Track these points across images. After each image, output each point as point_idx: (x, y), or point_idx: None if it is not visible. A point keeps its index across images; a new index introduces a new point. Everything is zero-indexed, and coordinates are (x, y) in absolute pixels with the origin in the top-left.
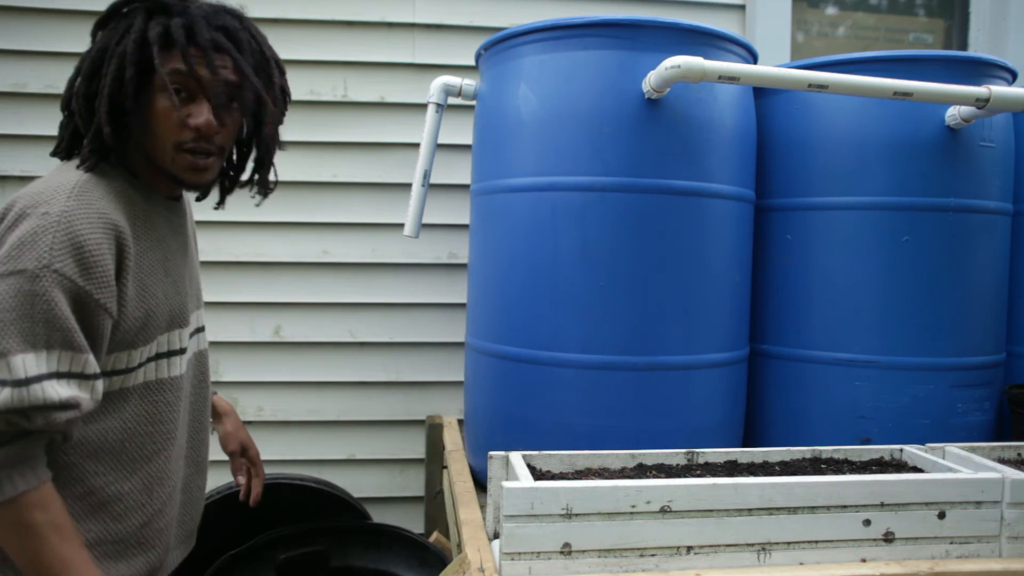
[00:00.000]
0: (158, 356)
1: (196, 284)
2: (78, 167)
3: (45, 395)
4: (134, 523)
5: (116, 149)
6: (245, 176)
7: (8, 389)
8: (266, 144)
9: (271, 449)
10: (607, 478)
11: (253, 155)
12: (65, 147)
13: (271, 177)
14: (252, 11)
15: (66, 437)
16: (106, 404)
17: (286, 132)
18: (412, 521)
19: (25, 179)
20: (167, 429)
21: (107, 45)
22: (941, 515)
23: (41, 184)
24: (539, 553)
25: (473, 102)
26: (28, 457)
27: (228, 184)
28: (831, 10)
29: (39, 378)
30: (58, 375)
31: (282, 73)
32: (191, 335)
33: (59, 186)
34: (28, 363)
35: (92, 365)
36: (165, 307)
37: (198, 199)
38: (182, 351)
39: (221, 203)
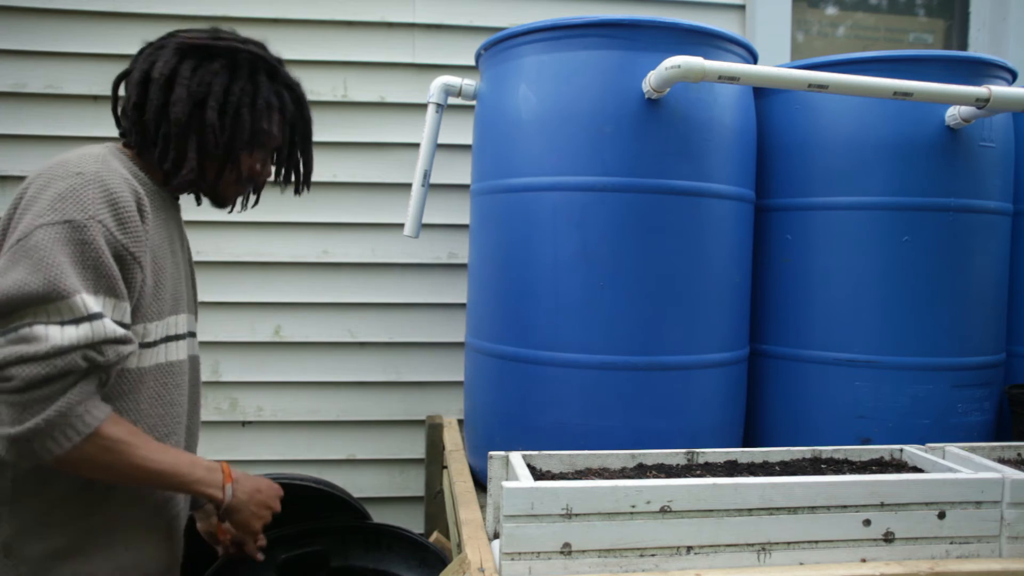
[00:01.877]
0: (167, 339)
1: (192, 286)
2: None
3: (111, 329)
4: (151, 505)
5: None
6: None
7: (86, 324)
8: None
9: (271, 449)
10: (607, 478)
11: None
12: (136, 137)
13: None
14: (252, 11)
15: (108, 379)
16: (123, 384)
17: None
18: (412, 521)
19: (25, 179)
20: (176, 412)
21: (227, 86)
22: (941, 515)
23: (61, 157)
24: (539, 553)
25: (473, 102)
26: (95, 392)
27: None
28: (831, 10)
29: (101, 315)
30: (108, 317)
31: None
32: (185, 336)
33: (84, 155)
34: (89, 302)
35: (129, 315)
36: (171, 285)
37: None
38: (181, 337)
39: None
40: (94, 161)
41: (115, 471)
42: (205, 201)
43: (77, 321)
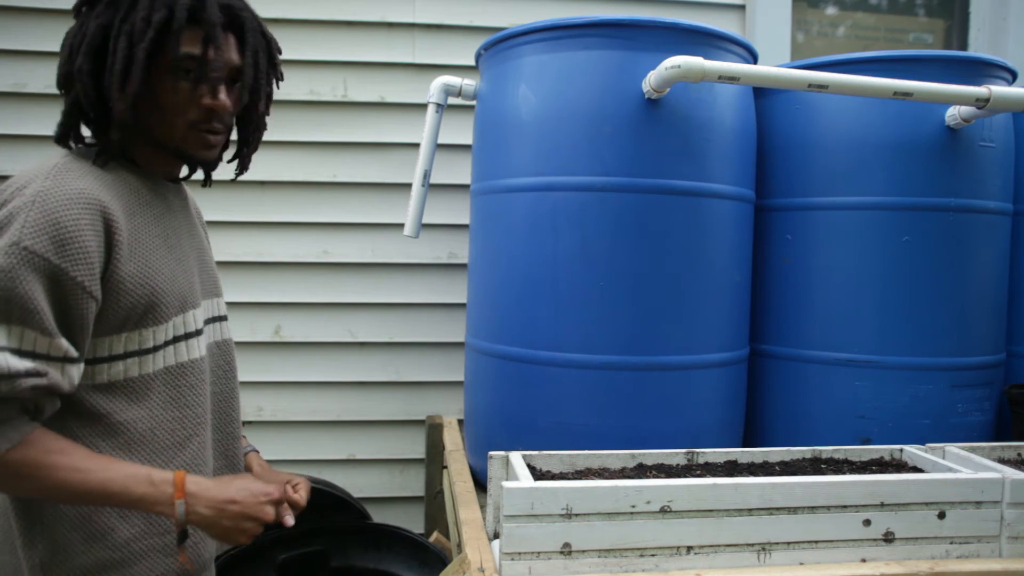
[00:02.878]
0: (175, 339)
1: (210, 270)
2: (94, 150)
3: (6, 363)
4: None
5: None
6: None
7: None
8: (257, 123)
9: (271, 449)
10: (607, 478)
11: (244, 131)
12: (65, 127)
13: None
14: None
15: (38, 409)
16: (130, 392)
17: (286, 132)
18: (412, 521)
19: None
20: (196, 413)
21: (109, 22)
22: (941, 515)
23: (25, 170)
24: (539, 553)
25: (473, 102)
26: (1, 420)
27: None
28: (831, 10)
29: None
30: (19, 352)
31: (279, 52)
32: (207, 321)
33: (39, 168)
34: None
35: (61, 348)
36: (173, 286)
37: (205, 183)
38: (198, 332)
39: (207, 181)
40: (44, 176)
41: (40, 493)
42: (206, 201)
43: None
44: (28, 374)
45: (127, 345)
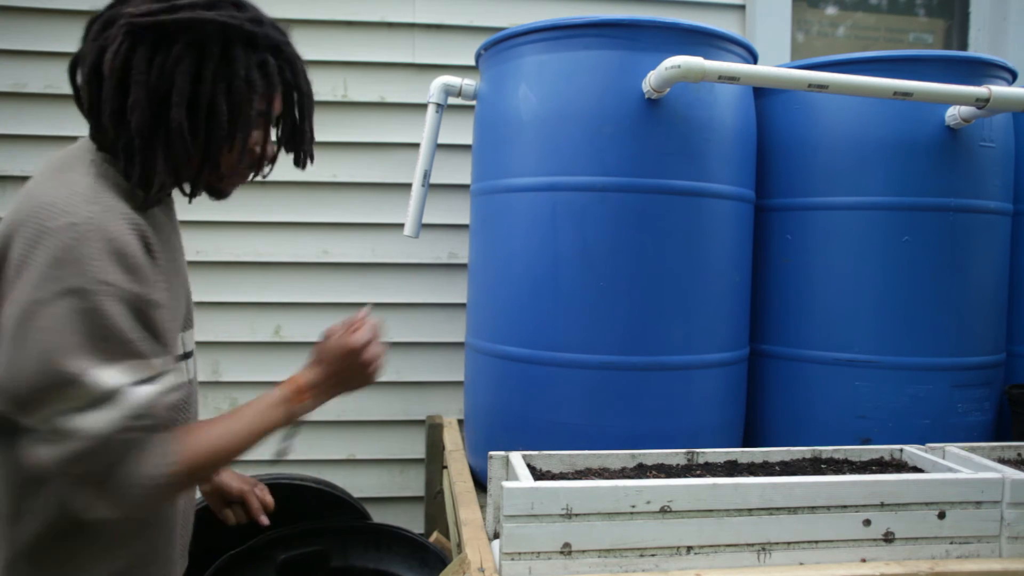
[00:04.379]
0: (177, 360)
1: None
2: (101, 157)
3: (137, 397)
4: (161, 541)
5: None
6: None
7: (108, 406)
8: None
9: (271, 449)
10: (607, 478)
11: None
12: (153, 173)
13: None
14: None
15: (171, 423)
16: None
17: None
18: (412, 521)
19: (25, 179)
20: None
21: (197, 72)
22: (941, 515)
23: (49, 193)
24: (539, 553)
25: (473, 102)
26: (157, 442)
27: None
28: (831, 10)
29: (119, 389)
30: (136, 383)
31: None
32: (192, 355)
33: (71, 193)
34: (105, 378)
35: (158, 365)
36: (178, 306)
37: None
38: (187, 355)
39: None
40: (85, 200)
41: (209, 472)
42: (206, 201)
43: (98, 404)
44: (159, 397)
45: None
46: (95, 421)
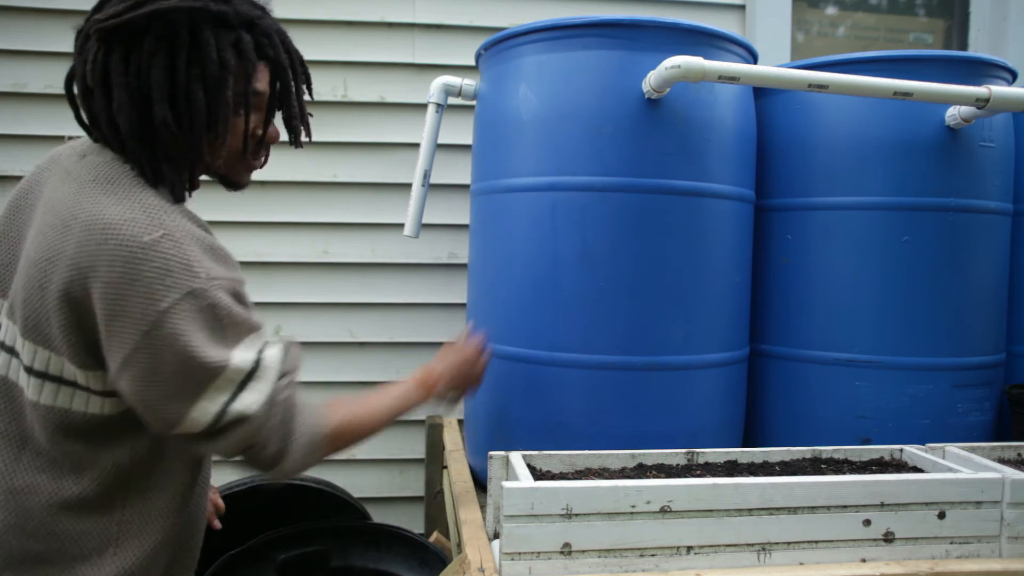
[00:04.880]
0: None
1: None
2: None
3: (271, 362)
4: (195, 527)
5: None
6: None
7: (254, 383)
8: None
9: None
10: (607, 478)
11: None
12: (155, 172)
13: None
14: None
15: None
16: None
17: (285, 132)
18: (412, 521)
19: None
20: None
21: (170, 63)
22: (941, 515)
23: (122, 214)
24: (539, 553)
25: (473, 102)
26: (305, 405)
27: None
28: (831, 10)
29: (258, 362)
30: (262, 351)
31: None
32: None
33: (145, 206)
34: (241, 358)
35: (266, 331)
36: None
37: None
38: None
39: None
40: (162, 210)
41: (352, 440)
42: (206, 201)
43: (246, 383)
44: (286, 356)
45: None
46: (253, 400)
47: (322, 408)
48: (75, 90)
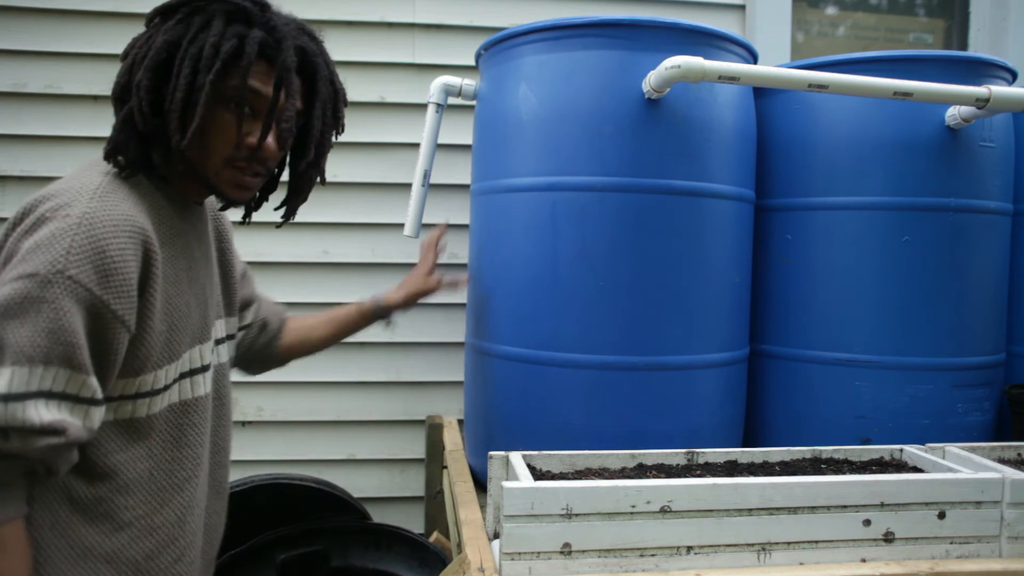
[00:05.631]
0: (181, 376)
1: (218, 291)
2: (119, 164)
3: (25, 416)
4: (168, 559)
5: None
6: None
7: None
8: (311, 175)
9: (271, 449)
10: (607, 478)
11: (297, 182)
12: (115, 142)
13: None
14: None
15: (50, 470)
16: (132, 431)
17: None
18: (412, 521)
19: (25, 179)
20: (195, 453)
21: (177, 40)
22: (941, 515)
23: (63, 183)
24: (539, 553)
25: (473, 102)
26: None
27: (255, 203)
28: (831, 10)
29: (25, 396)
30: (49, 394)
31: (345, 105)
32: (213, 348)
33: (82, 187)
34: (18, 377)
35: (91, 388)
36: (188, 320)
37: (244, 217)
38: (205, 368)
39: (247, 217)
40: (90, 197)
41: None
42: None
43: None
44: (45, 431)
45: (140, 386)
46: None
47: (9, 521)
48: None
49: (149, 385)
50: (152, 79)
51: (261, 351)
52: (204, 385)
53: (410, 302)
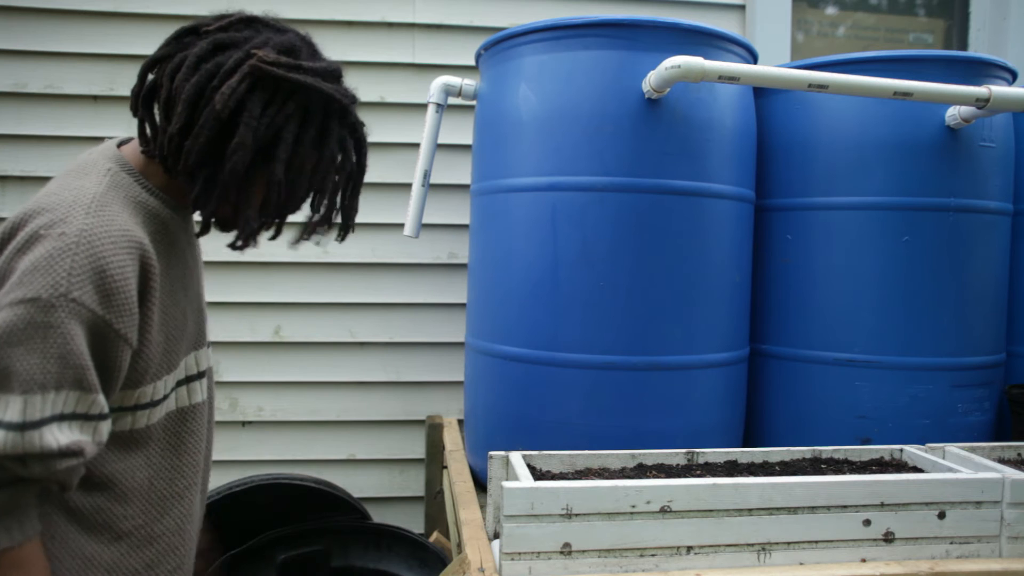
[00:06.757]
0: (179, 384)
1: (204, 311)
2: (127, 165)
3: (43, 442)
4: (168, 568)
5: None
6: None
7: (3, 432)
8: (322, 227)
9: (271, 449)
10: (607, 478)
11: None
12: (170, 161)
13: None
14: (252, 11)
15: (64, 487)
16: (130, 440)
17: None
18: (412, 521)
19: (25, 179)
20: (194, 460)
21: (300, 136)
22: (941, 515)
23: (54, 196)
24: (539, 553)
25: (473, 102)
26: (16, 508)
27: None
28: (831, 10)
29: (40, 423)
30: (62, 417)
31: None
32: (206, 374)
33: (75, 200)
34: (32, 405)
35: (99, 405)
36: (184, 328)
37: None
38: (201, 375)
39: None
40: (85, 212)
41: None
42: None
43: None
44: (64, 454)
45: (139, 398)
46: None
47: (27, 540)
48: (156, 75)
49: (148, 397)
50: (286, 174)
51: None
52: (201, 392)
53: None
